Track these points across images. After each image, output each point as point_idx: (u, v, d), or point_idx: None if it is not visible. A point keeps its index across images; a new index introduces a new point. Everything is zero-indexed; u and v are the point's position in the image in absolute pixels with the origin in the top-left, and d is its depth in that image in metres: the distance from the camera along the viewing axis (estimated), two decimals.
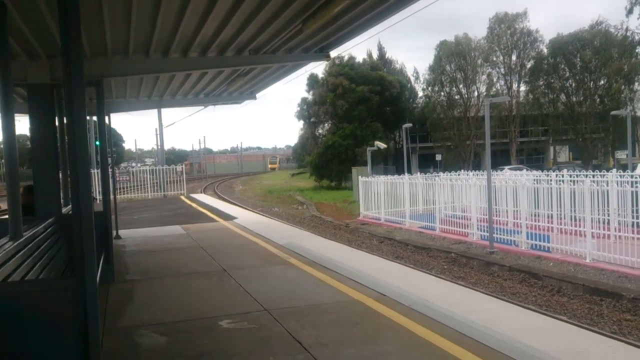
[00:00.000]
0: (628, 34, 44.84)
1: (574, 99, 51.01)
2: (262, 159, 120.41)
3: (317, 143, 51.90)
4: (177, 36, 8.46)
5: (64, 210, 8.40)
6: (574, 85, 50.89)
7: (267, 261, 9.04)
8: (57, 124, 8.71)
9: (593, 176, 18.08)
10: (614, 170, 21.59)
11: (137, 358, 4.86)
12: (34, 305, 3.37)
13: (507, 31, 52.37)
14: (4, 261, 4.12)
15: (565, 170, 22.70)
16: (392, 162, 52.58)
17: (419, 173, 23.32)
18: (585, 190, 13.18)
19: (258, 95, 16.16)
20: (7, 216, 5.66)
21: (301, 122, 55.45)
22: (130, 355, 4.94)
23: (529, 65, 53.03)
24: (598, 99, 50.11)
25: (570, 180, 15.84)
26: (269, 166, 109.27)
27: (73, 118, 3.47)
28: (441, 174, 23.14)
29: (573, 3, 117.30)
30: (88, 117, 17.56)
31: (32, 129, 7.98)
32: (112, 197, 9.75)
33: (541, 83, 52.12)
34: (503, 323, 5.33)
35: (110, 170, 11.86)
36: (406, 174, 23.55)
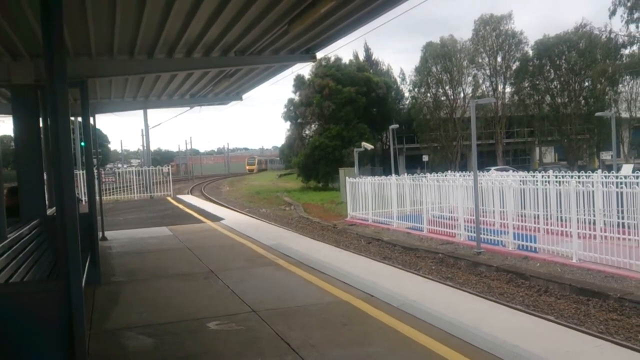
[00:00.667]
0: (612, 35, 45.43)
1: (559, 100, 51.56)
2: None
3: (304, 144, 51.92)
4: (162, 37, 8.40)
5: (49, 211, 8.30)
6: (559, 86, 51.47)
7: (255, 262, 9.00)
8: (41, 124, 8.61)
9: (578, 177, 18.26)
10: (599, 170, 21.82)
11: None
12: (19, 308, 3.34)
13: (493, 33, 52.84)
14: None
15: (551, 171, 22.87)
16: (379, 163, 52.73)
17: (406, 174, 23.38)
18: (571, 191, 13.29)
19: (244, 96, 16.11)
20: None
21: (288, 123, 55.50)
22: (117, 357, 4.89)
23: (514, 67, 53.55)
24: (583, 101, 50.69)
25: (556, 181, 15.98)
26: (247, 168, 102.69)
27: (56, 118, 3.44)
28: (428, 174, 23.24)
29: (557, 5, 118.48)
30: (73, 118, 17.41)
31: (16, 130, 7.88)
32: (97, 198, 9.64)
33: (526, 84, 52.64)
34: (491, 323, 5.35)
35: (95, 171, 11.74)
36: (393, 174, 23.60)
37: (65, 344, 3.35)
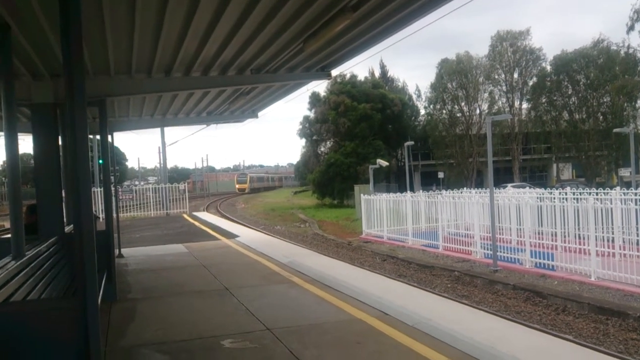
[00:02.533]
0: (630, 51, 45.06)
1: (577, 116, 51.15)
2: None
3: (319, 161, 52.03)
4: (179, 56, 8.53)
5: (66, 229, 8.39)
6: (576, 102, 51.04)
7: (270, 280, 8.99)
8: (60, 143, 8.73)
9: (597, 194, 18.03)
10: (618, 187, 21.52)
11: None
12: (36, 325, 3.36)
13: (509, 49, 52.71)
14: (6, 281, 4.11)
15: (568, 188, 22.62)
16: (394, 180, 52.59)
17: (421, 191, 23.29)
18: (589, 208, 13.13)
19: (260, 113, 16.22)
20: (9, 235, 5.66)
21: (303, 140, 55.68)
22: None
23: (531, 83, 53.26)
24: (601, 117, 50.25)
25: (574, 198, 15.79)
26: (236, 187, 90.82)
27: (75, 137, 3.49)
28: (443, 191, 23.12)
29: (573, 21, 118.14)
30: (91, 136, 17.64)
31: (35, 148, 7.99)
32: (114, 215, 9.73)
33: (544, 100, 52.30)
34: (508, 343, 5.27)
35: (113, 188, 11.87)
36: (408, 191, 23.51)
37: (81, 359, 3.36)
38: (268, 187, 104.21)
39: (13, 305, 3.77)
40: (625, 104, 47.13)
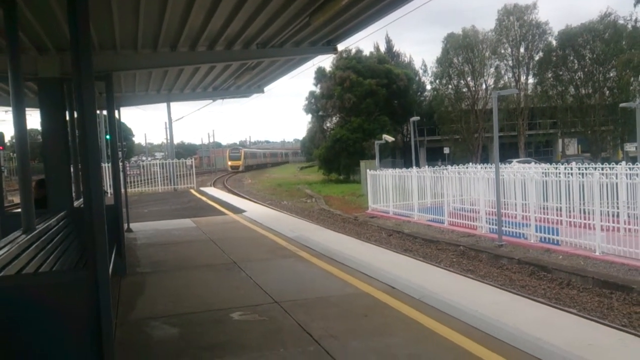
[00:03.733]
0: (637, 24, 44.40)
1: (583, 91, 50.72)
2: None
3: (325, 136, 51.97)
4: (185, 30, 8.49)
5: (75, 203, 8.47)
6: (583, 77, 50.58)
7: (277, 254, 9.08)
8: (67, 118, 8.76)
9: (602, 169, 17.98)
10: (623, 162, 21.44)
11: (149, 349, 4.92)
12: (48, 298, 3.42)
13: (516, 23, 52.06)
14: (18, 254, 4.17)
15: (574, 163, 22.56)
16: (400, 156, 52.51)
17: (426, 166, 23.27)
18: (594, 183, 13.11)
19: (266, 88, 16.19)
20: (20, 209, 5.72)
21: (309, 116, 55.59)
22: (143, 346, 4.99)
23: (537, 58, 52.74)
24: (607, 91, 49.83)
25: (579, 173, 15.76)
26: (229, 164, 79.75)
27: (83, 111, 3.50)
28: (449, 167, 23.09)
29: None
30: (98, 112, 17.67)
31: (43, 123, 8.02)
32: (122, 190, 9.80)
33: (549, 75, 51.85)
34: (512, 316, 5.32)
35: (120, 164, 11.92)
36: (414, 167, 23.50)
37: (93, 331, 3.43)
38: (268, 164, 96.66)
39: (26, 277, 3.83)
40: (632, 79, 46.63)
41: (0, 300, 3.22)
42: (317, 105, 51.88)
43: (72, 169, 9.08)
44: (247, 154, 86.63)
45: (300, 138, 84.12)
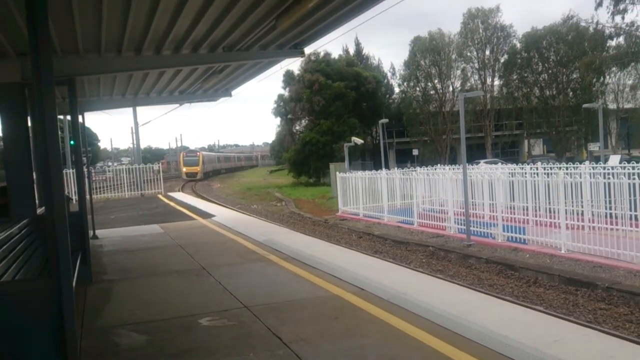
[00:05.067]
0: (598, 27, 45.62)
1: (548, 92, 51.88)
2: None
3: (294, 140, 51.92)
4: (150, 33, 8.37)
5: (38, 211, 8.27)
6: (547, 79, 51.73)
7: (246, 258, 9.02)
8: (30, 123, 8.56)
9: (567, 168, 18.39)
10: (587, 162, 21.99)
11: (117, 358, 4.83)
12: (10, 307, 3.34)
13: (481, 26, 52.97)
14: None
15: (539, 163, 23.00)
16: (369, 158, 52.84)
17: (396, 168, 23.46)
18: (559, 183, 13.40)
19: (234, 92, 16.08)
20: None
21: (278, 119, 55.39)
22: (110, 355, 4.90)
23: (502, 60, 53.75)
24: (571, 93, 51.02)
25: (545, 173, 16.09)
26: (183, 170, 66.33)
27: (43, 117, 3.43)
28: (418, 168, 23.32)
29: None
30: (61, 117, 17.30)
31: (3, 129, 7.84)
32: (88, 196, 9.62)
33: (515, 77, 52.86)
34: (480, 314, 5.40)
35: (85, 170, 11.69)
36: (383, 169, 23.66)
37: (57, 341, 3.36)
38: (229, 169, 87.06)
39: None
40: (594, 80, 47.90)
41: None
42: (286, 109, 51.79)
43: (35, 176, 8.87)
44: (207, 158, 74.13)
45: (270, 141, 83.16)
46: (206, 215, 16.07)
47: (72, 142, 12.85)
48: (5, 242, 5.21)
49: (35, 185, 8.71)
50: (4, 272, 4.54)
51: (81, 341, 4.93)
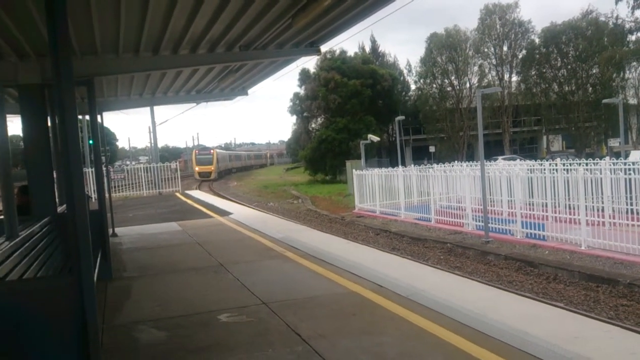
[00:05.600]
0: (618, 22, 44.99)
1: (567, 88, 51.24)
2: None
3: (310, 137, 51.96)
4: (167, 33, 8.44)
5: (59, 209, 8.39)
6: (566, 74, 51.08)
7: (264, 255, 9.06)
8: (49, 124, 8.68)
9: (586, 164, 18.17)
10: (607, 158, 21.70)
11: (137, 353, 4.88)
12: (33, 303, 3.38)
13: (498, 22, 52.51)
14: (1, 260, 4.12)
15: (558, 159, 22.76)
16: (385, 155, 52.68)
17: (412, 165, 23.36)
18: (579, 179, 13.24)
19: (250, 91, 16.15)
20: (2, 216, 5.66)
21: (294, 117, 55.55)
22: (130, 351, 4.95)
23: (520, 56, 53.19)
24: (590, 88, 50.36)
25: (564, 169, 15.91)
26: (196, 170, 61.29)
27: (64, 117, 3.47)
28: (435, 165, 23.22)
29: None
30: (80, 117, 17.52)
31: (24, 130, 7.94)
32: (107, 195, 9.73)
33: (533, 73, 52.31)
34: (500, 311, 5.37)
35: (104, 168, 11.82)
36: (400, 166, 23.58)
37: (79, 337, 3.40)
38: (239, 168, 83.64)
39: (9, 284, 3.79)
40: (614, 75, 47.26)
41: None
42: (302, 107, 51.86)
43: (55, 175, 8.99)
44: (220, 156, 68.84)
45: (286, 139, 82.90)
46: (223, 213, 16.15)
47: (91, 142, 13.02)
48: (27, 240, 5.30)
49: (55, 185, 8.84)
50: (26, 270, 4.62)
51: (102, 337, 4.99)
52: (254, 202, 31.54)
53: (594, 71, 49.68)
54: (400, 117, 39.46)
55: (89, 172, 20.94)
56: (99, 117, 10.02)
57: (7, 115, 7.23)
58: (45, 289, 3.58)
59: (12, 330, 3.25)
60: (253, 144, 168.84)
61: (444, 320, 5.13)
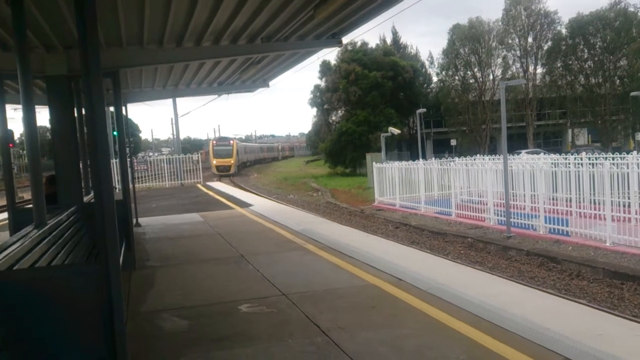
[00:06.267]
0: None
1: (593, 80, 50.36)
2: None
3: (330, 130, 51.93)
4: (190, 25, 8.51)
5: (85, 199, 8.54)
6: (592, 66, 50.16)
7: (284, 247, 9.12)
8: (75, 115, 8.82)
9: (613, 159, 17.87)
10: (635, 152, 21.32)
11: (160, 341, 4.97)
12: (61, 290, 3.46)
13: (523, 13, 51.72)
14: (30, 248, 4.23)
15: (584, 153, 22.43)
16: (406, 148, 52.46)
17: (433, 158, 23.23)
18: (604, 173, 13.04)
19: (271, 83, 16.20)
20: (30, 205, 5.79)
21: (314, 109, 55.51)
22: (153, 338, 5.05)
23: (545, 47, 52.35)
24: (618, 80, 49.41)
25: (589, 164, 15.67)
26: (214, 163, 55.09)
27: (92, 108, 3.54)
28: (456, 159, 23.04)
29: None
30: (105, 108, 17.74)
31: (52, 121, 8.08)
32: (130, 185, 9.87)
33: (559, 65, 51.45)
34: (521, 306, 5.34)
35: (128, 159, 11.98)
36: (420, 159, 23.47)
37: (105, 323, 3.47)
38: (253, 162, 79.58)
39: (39, 270, 3.89)
40: None
41: (15, 292, 3.27)
42: (322, 99, 51.80)
43: (80, 165, 9.15)
44: (242, 148, 64.27)
45: (306, 132, 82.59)
46: (244, 204, 16.27)
47: (115, 133, 13.18)
48: (55, 228, 5.42)
49: (81, 175, 9.00)
50: (54, 257, 4.73)
51: (126, 324, 5.09)
52: (274, 194, 31.68)
53: (622, 63, 48.73)
54: (422, 110, 39.19)
55: (114, 162, 21.22)
56: (123, 108, 10.16)
57: (35, 107, 7.36)
58: (73, 276, 3.66)
59: (41, 317, 3.33)
60: (273, 136, 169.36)
61: (464, 315, 5.13)
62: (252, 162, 78.18)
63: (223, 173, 51.59)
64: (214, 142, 58.80)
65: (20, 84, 5.54)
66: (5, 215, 9.17)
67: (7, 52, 8.17)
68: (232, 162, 55.25)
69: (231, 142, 58.36)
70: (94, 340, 3.49)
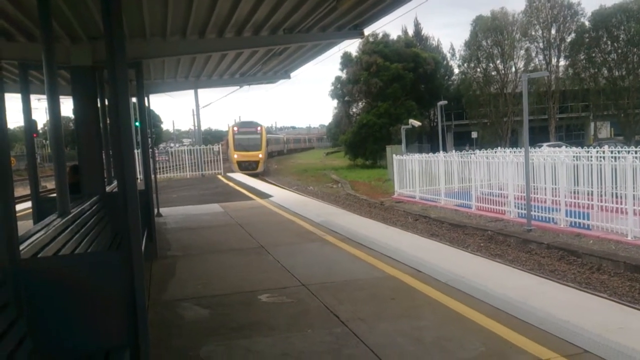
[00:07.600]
0: None
1: (617, 73, 49.48)
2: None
3: (351, 122, 51.86)
4: (213, 17, 8.54)
5: (107, 188, 8.67)
6: (616, 58, 49.27)
7: (304, 238, 9.17)
8: (99, 105, 8.94)
9: (635, 152, 17.58)
10: None
11: (181, 329, 5.05)
12: (85, 277, 3.53)
13: (547, 4, 50.94)
14: (54, 236, 4.33)
15: (606, 147, 22.09)
16: (426, 140, 52.11)
17: (454, 151, 23.07)
18: (627, 167, 12.85)
19: (292, 74, 16.17)
20: (53, 194, 5.91)
21: (335, 101, 55.47)
22: (175, 326, 5.13)
23: (569, 39, 51.54)
24: None
25: (612, 157, 15.44)
26: (235, 157, 42.19)
27: (117, 98, 3.59)
28: (477, 151, 22.85)
29: None
30: None
31: (75, 111, 8.20)
32: (152, 176, 10.00)
33: (582, 57, 50.62)
34: (541, 299, 5.31)
35: (150, 150, 12.11)
36: (441, 151, 23.32)
37: (128, 311, 3.54)
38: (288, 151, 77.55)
39: (64, 258, 3.98)
40: None
41: (40, 279, 3.34)
42: (343, 91, 51.68)
43: (103, 155, 9.28)
44: (272, 140, 56.07)
45: (326, 124, 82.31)
46: (264, 195, 16.36)
47: (138, 124, 13.30)
48: (78, 217, 5.52)
49: (104, 165, 9.13)
50: (78, 245, 4.82)
51: (148, 312, 5.18)
52: (294, 186, 31.78)
53: None
54: (443, 102, 38.86)
55: (136, 153, 21.46)
56: (145, 99, 10.26)
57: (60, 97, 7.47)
58: (96, 264, 3.73)
59: (64, 304, 3.40)
60: (294, 127, 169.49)
61: (483, 307, 5.12)
62: (277, 153, 72.38)
63: (247, 172, 35.87)
64: (236, 128, 44.65)
65: (45, 74, 5.64)
66: (28, 204, 9.34)
67: (33, 43, 8.29)
68: (260, 156, 42.08)
69: (259, 128, 44.48)
70: (116, 327, 3.56)
